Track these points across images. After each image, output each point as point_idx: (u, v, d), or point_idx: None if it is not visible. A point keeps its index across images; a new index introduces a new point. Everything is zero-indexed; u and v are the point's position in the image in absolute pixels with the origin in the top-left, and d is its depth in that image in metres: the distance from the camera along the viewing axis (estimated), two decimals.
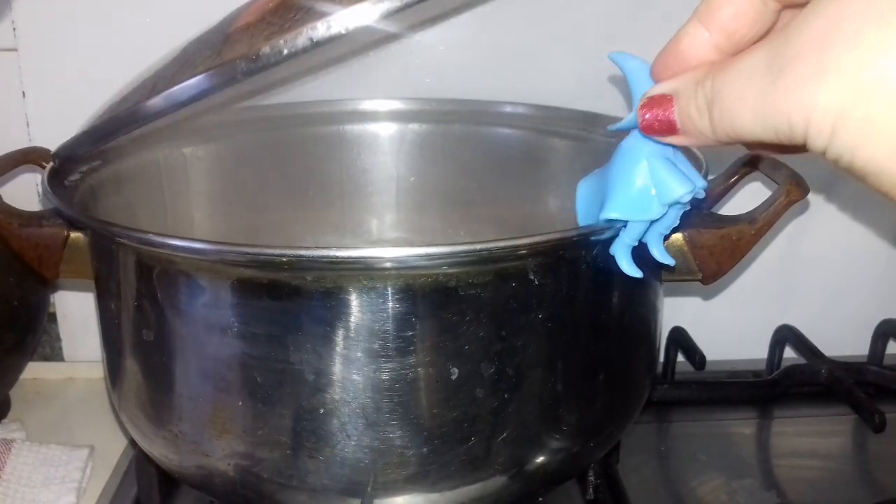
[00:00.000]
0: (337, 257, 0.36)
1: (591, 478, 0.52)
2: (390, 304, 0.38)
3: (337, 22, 0.34)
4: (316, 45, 0.34)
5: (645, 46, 0.36)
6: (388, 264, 0.37)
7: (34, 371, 0.66)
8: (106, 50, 0.60)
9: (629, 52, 0.36)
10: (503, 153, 0.62)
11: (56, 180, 0.48)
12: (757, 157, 0.52)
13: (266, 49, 0.34)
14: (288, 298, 0.38)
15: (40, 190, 0.63)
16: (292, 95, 0.62)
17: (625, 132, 0.37)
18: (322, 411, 0.39)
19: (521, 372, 0.40)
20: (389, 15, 0.34)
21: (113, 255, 0.43)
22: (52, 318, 0.67)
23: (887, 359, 0.65)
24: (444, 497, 0.42)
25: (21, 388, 0.64)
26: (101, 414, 0.61)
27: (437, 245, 0.37)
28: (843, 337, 0.66)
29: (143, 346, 0.43)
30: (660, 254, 0.39)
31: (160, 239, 0.39)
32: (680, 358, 0.64)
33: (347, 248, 0.36)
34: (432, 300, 0.38)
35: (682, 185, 0.36)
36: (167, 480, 0.51)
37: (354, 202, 0.64)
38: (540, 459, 0.43)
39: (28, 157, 0.55)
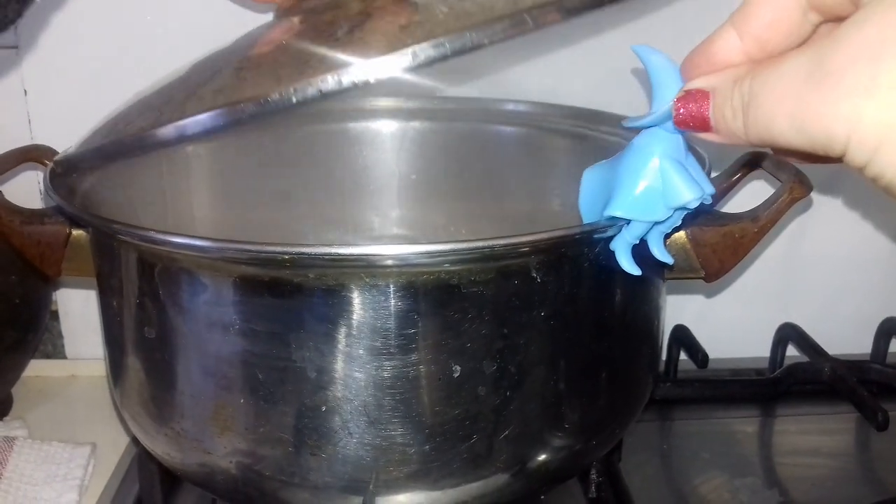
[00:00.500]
0: (339, 255, 0.36)
1: (594, 476, 0.52)
2: (392, 301, 0.38)
3: (348, 76, 0.34)
4: (324, 96, 0.34)
5: (644, 44, 0.35)
6: (389, 262, 0.37)
7: (36, 369, 0.66)
8: (107, 47, 0.60)
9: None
10: (505, 150, 0.62)
11: (57, 178, 0.47)
12: (760, 155, 0.52)
13: (275, 96, 0.34)
14: (290, 296, 0.38)
15: (42, 188, 0.63)
16: None
17: (637, 129, 0.36)
18: (324, 409, 0.39)
19: (523, 370, 0.40)
20: (403, 72, 0.34)
21: (114, 252, 0.43)
22: (55, 315, 0.67)
23: (890, 357, 0.65)
24: (446, 495, 0.42)
25: (23, 385, 0.64)
26: (104, 411, 0.61)
27: (439, 242, 0.36)
28: (846, 335, 0.66)
29: (144, 343, 0.43)
30: (660, 252, 0.39)
31: (162, 236, 0.38)
32: (682, 356, 0.64)
33: (349, 245, 0.36)
34: (434, 298, 0.38)
35: (692, 191, 0.35)
36: (169, 478, 0.51)
37: (356, 199, 0.64)
38: (542, 457, 0.43)
39: (29, 155, 0.55)
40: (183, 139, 0.37)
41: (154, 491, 0.51)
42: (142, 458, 0.52)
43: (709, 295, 0.69)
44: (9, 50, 0.61)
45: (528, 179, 0.61)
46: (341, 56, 0.35)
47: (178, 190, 0.58)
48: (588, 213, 0.40)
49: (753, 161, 0.53)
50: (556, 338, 0.41)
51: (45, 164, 0.51)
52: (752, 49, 0.31)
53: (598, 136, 0.58)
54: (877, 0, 0.26)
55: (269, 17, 0.48)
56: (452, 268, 0.38)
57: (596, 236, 0.39)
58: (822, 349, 0.63)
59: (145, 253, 0.41)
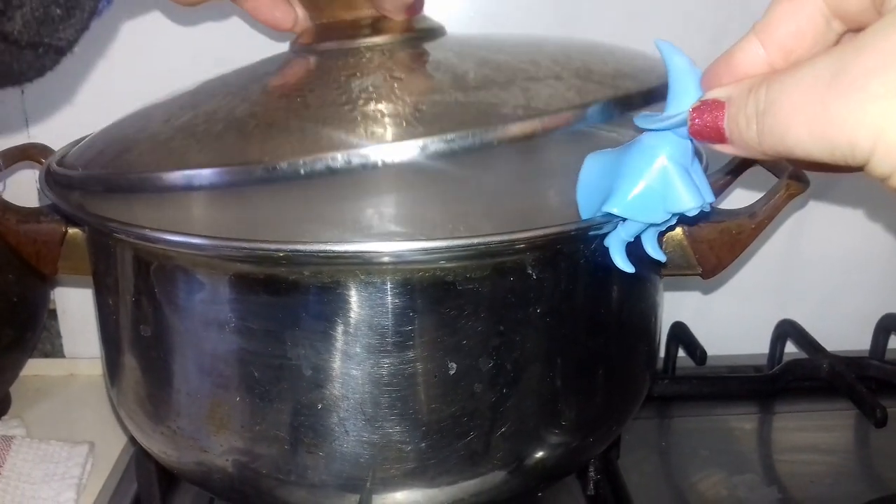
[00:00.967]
0: (334, 251, 0.36)
1: (592, 473, 0.52)
2: (388, 298, 0.38)
3: (357, 158, 0.35)
4: (332, 172, 0.35)
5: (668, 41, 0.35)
6: (385, 259, 0.37)
7: (34, 368, 0.66)
8: (104, 47, 0.60)
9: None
10: (503, 147, 0.62)
11: (53, 177, 0.47)
12: None
13: (284, 166, 0.35)
14: (285, 293, 0.38)
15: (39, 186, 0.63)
16: None
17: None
18: (320, 407, 0.39)
19: (519, 367, 0.40)
20: (411, 159, 0.35)
21: (110, 250, 0.43)
22: (53, 314, 0.67)
23: (889, 353, 0.65)
24: (443, 492, 0.42)
25: (21, 384, 0.64)
26: (102, 410, 0.61)
27: (435, 239, 0.36)
28: (844, 331, 0.66)
29: (140, 341, 0.43)
30: (653, 250, 0.39)
31: (157, 234, 0.38)
32: (681, 353, 0.64)
33: (345, 242, 0.36)
34: (430, 295, 0.38)
35: (693, 199, 0.34)
36: (167, 477, 0.51)
37: (352, 196, 0.64)
38: (539, 454, 0.43)
39: (26, 154, 0.55)
40: (189, 188, 0.37)
41: (152, 489, 0.51)
42: (139, 457, 0.52)
43: (707, 291, 0.69)
44: None
45: (525, 176, 0.61)
46: (353, 138, 0.36)
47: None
48: (585, 201, 0.39)
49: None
50: (552, 335, 0.41)
51: (42, 163, 0.51)
52: (777, 59, 0.30)
53: (597, 133, 0.58)
54: None
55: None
56: (448, 265, 0.38)
57: (592, 233, 0.39)
58: (820, 346, 0.63)
59: (141, 251, 0.41)
